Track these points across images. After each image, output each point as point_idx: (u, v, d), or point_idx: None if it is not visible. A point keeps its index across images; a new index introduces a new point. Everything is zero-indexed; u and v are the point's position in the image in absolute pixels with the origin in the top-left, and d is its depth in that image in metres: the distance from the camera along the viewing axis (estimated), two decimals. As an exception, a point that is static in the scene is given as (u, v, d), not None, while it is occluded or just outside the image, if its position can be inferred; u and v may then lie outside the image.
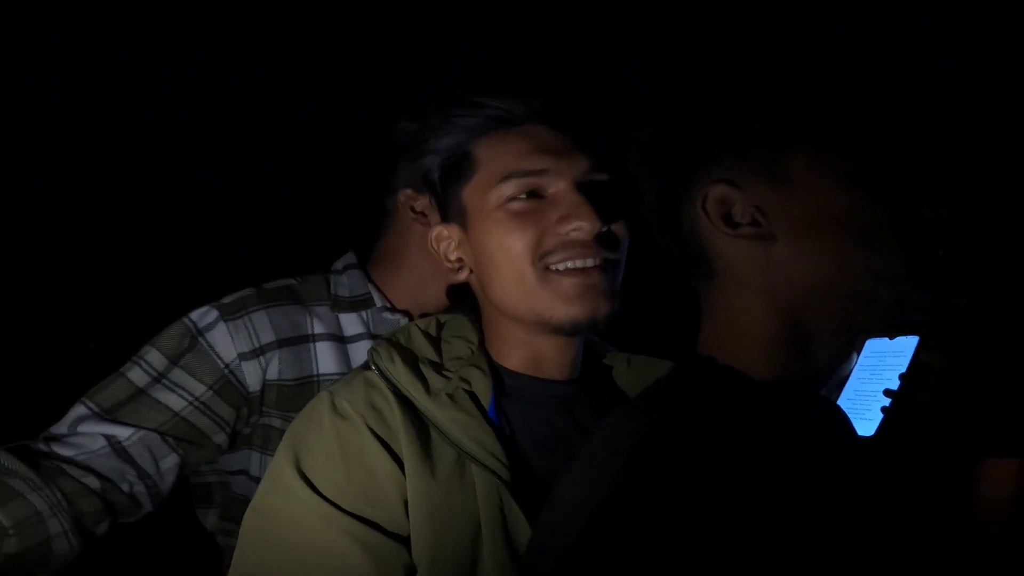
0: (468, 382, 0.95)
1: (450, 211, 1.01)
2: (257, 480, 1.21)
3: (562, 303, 0.91)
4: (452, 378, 0.94)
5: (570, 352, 0.99)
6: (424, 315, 1.23)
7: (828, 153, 0.75)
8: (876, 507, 0.66)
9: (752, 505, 0.61)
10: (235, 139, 1.63)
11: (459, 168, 0.98)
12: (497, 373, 0.98)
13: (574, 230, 0.91)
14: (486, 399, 0.94)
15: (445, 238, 1.01)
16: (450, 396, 0.92)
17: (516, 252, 0.92)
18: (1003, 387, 1.20)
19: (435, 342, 1.00)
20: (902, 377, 1.20)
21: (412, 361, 0.95)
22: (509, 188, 0.93)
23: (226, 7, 1.29)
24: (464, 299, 1.07)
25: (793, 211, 0.74)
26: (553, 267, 0.92)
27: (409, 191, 1.23)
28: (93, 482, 1.05)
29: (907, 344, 1.20)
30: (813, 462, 0.68)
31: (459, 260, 1.00)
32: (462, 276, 1.01)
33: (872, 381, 1.23)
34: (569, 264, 0.91)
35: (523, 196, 0.93)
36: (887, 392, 1.20)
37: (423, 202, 1.21)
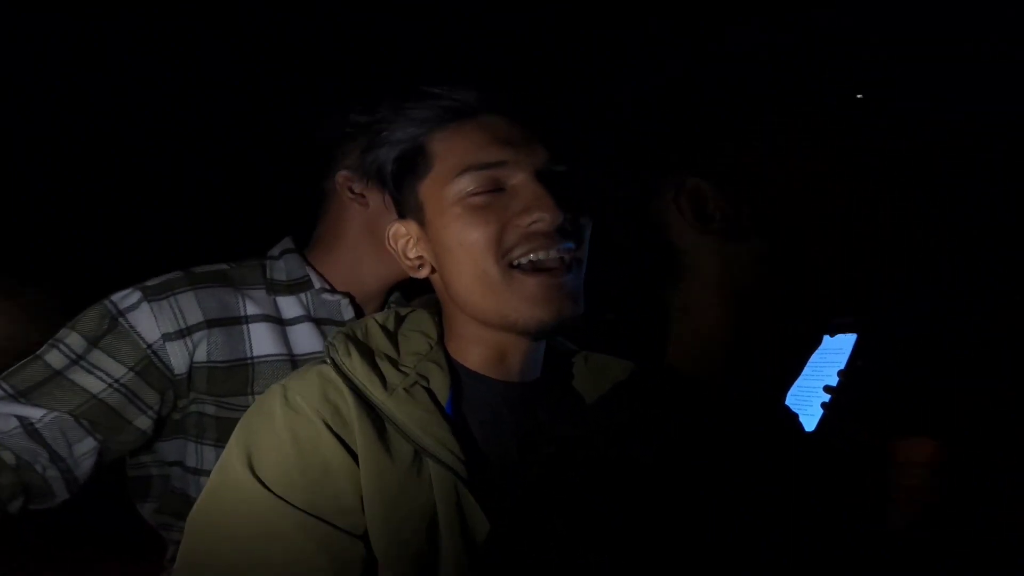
0: (426, 378, 0.93)
1: (406, 207, 0.98)
2: (192, 471, 1.20)
3: (528, 305, 0.89)
4: (409, 373, 0.93)
5: (532, 352, 0.96)
6: (369, 297, 1.26)
7: (813, 151, 0.72)
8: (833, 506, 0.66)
9: (707, 512, 0.60)
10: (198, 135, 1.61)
11: (414, 162, 0.95)
12: (455, 370, 0.96)
13: (535, 222, 0.88)
14: (443, 396, 0.92)
15: (403, 235, 0.98)
16: (407, 391, 0.90)
17: (478, 247, 0.89)
18: (1002, 387, 1.19)
19: (392, 337, 0.98)
20: (840, 374, 1.21)
21: (369, 355, 0.93)
22: (467, 182, 0.90)
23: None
24: (410, 284, 1.06)
25: (769, 209, 0.71)
26: (516, 262, 0.89)
27: (347, 172, 1.22)
28: (9, 457, 1.04)
29: (846, 341, 1.22)
30: (776, 467, 0.67)
31: (419, 258, 0.97)
32: (423, 273, 0.98)
33: (813, 377, 1.23)
34: (532, 257, 0.89)
35: (482, 190, 0.90)
36: (827, 388, 1.22)
37: (361, 184, 1.20)
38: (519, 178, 0.91)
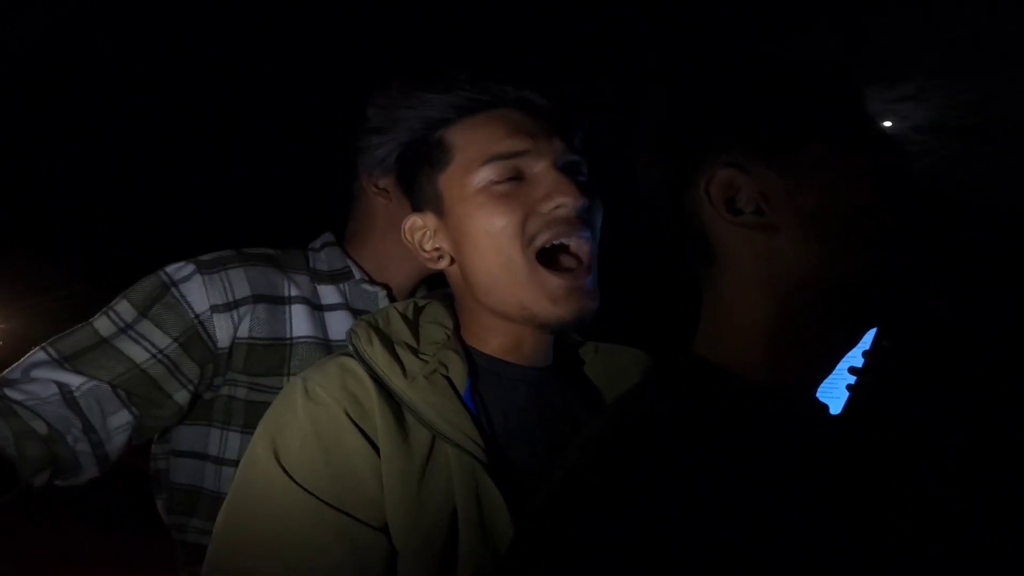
0: (445, 366, 0.94)
1: (422, 198, 0.99)
2: (214, 460, 1.19)
3: (550, 303, 0.92)
4: (429, 361, 0.94)
5: (546, 341, 1.00)
6: (400, 290, 1.28)
7: (841, 146, 0.72)
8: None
9: (743, 516, 0.59)
10: (223, 129, 1.60)
11: (432, 155, 0.97)
12: (472, 358, 0.98)
13: (558, 207, 0.91)
14: (462, 383, 0.94)
15: (420, 227, 0.99)
16: (427, 379, 0.92)
17: (504, 234, 0.91)
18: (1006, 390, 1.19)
19: (413, 325, 0.99)
20: (865, 355, 1.22)
21: (389, 343, 0.95)
22: (490, 171, 0.92)
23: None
24: (438, 278, 1.07)
25: (799, 202, 0.71)
26: (542, 245, 0.92)
27: (372, 171, 1.23)
28: (41, 427, 1.01)
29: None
30: (803, 473, 0.67)
31: (436, 250, 0.99)
32: (441, 265, 1.00)
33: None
34: (556, 242, 0.92)
35: (505, 179, 0.92)
36: (851, 370, 1.22)
37: (386, 180, 1.22)
38: (540, 167, 0.93)
